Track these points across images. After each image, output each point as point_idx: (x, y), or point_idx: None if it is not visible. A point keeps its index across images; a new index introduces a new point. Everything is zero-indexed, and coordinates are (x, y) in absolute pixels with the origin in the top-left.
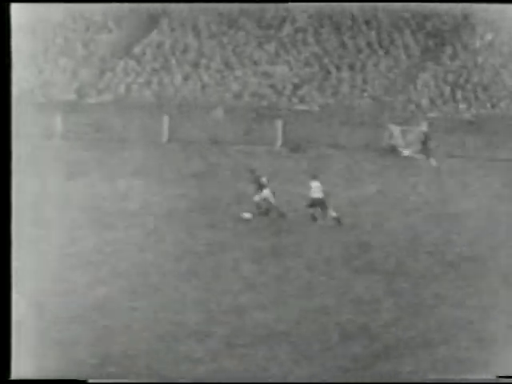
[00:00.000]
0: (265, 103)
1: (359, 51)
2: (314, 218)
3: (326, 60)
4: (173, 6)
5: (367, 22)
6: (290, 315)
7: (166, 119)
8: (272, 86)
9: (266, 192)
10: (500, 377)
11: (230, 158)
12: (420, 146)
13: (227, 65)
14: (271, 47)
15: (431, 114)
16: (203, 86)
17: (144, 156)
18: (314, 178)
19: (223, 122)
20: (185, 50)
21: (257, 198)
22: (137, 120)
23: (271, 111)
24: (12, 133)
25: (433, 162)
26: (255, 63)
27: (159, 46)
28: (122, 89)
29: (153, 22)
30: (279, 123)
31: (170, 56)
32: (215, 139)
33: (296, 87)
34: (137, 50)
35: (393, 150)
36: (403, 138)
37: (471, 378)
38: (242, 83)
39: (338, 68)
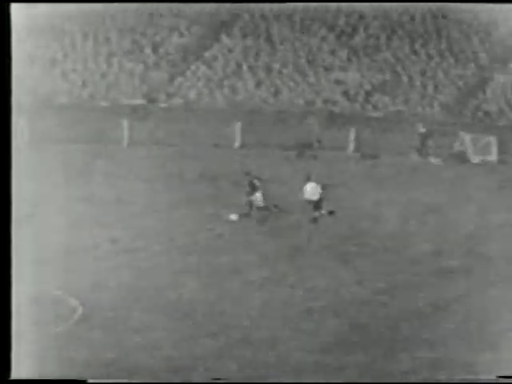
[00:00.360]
0: (337, 109)
1: (430, 58)
2: (315, 220)
3: (397, 67)
4: (244, 10)
5: (438, 30)
6: None
7: (238, 125)
8: (344, 93)
9: (258, 195)
10: (500, 377)
11: (301, 163)
12: (419, 147)
13: (300, 71)
14: (344, 54)
15: (500, 123)
16: (276, 92)
17: (215, 161)
18: (309, 179)
19: (317, 130)
20: (257, 56)
21: (252, 199)
22: (208, 125)
23: (344, 118)
24: (12, 133)
25: (433, 160)
26: (328, 69)
27: (231, 50)
28: (192, 93)
29: (224, 26)
30: (352, 129)
31: (241, 61)
32: (289, 145)
33: (368, 94)
34: (208, 54)
35: (463, 158)
36: (473, 146)
37: (471, 378)
38: (314, 89)
39: (410, 75)
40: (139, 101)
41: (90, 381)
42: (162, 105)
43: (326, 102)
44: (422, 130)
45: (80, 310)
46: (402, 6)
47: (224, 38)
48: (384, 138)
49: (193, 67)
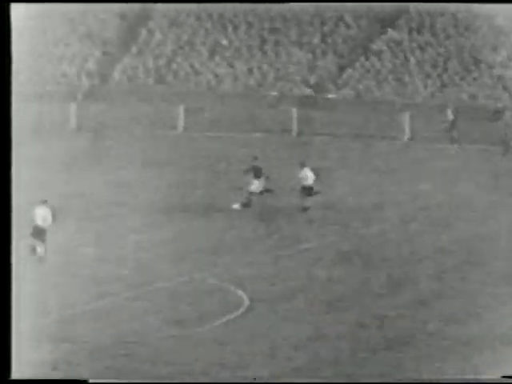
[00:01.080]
0: (499, 105)
1: None
2: (305, 209)
3: None
4: (411, 6)
5: None
6: None
7: (406, 117)
8: (505, 89)
9: (257, 182)
10: (504, 377)
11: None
12: (445, 133)
13: (464, 66)
14: (504, 51)
15: None
16: (442, 86)
17: (385, 153)
18: (304, 165)
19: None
20: (422, 50)
21: (252, 187)
22: (376, 117)
23: (503, 114)
24: (17, 127)
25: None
26: (490, 66)
27: (397, 44)
28: (361, 85)
29: (390, 19)
30: None
31: (408, 55)
32: (452, 139)
33: None
34: (375, 46)
35: None
36: None
37: (475, 377)
38: (477, 85)
39: None
40: (307, 90)
41: (92, 381)
42: (331, 95)
43: (487, 97)
44: (451, 116)
45: (246, 302)
46: None
47: (390, 32)
48: None
49: (362, 59)
